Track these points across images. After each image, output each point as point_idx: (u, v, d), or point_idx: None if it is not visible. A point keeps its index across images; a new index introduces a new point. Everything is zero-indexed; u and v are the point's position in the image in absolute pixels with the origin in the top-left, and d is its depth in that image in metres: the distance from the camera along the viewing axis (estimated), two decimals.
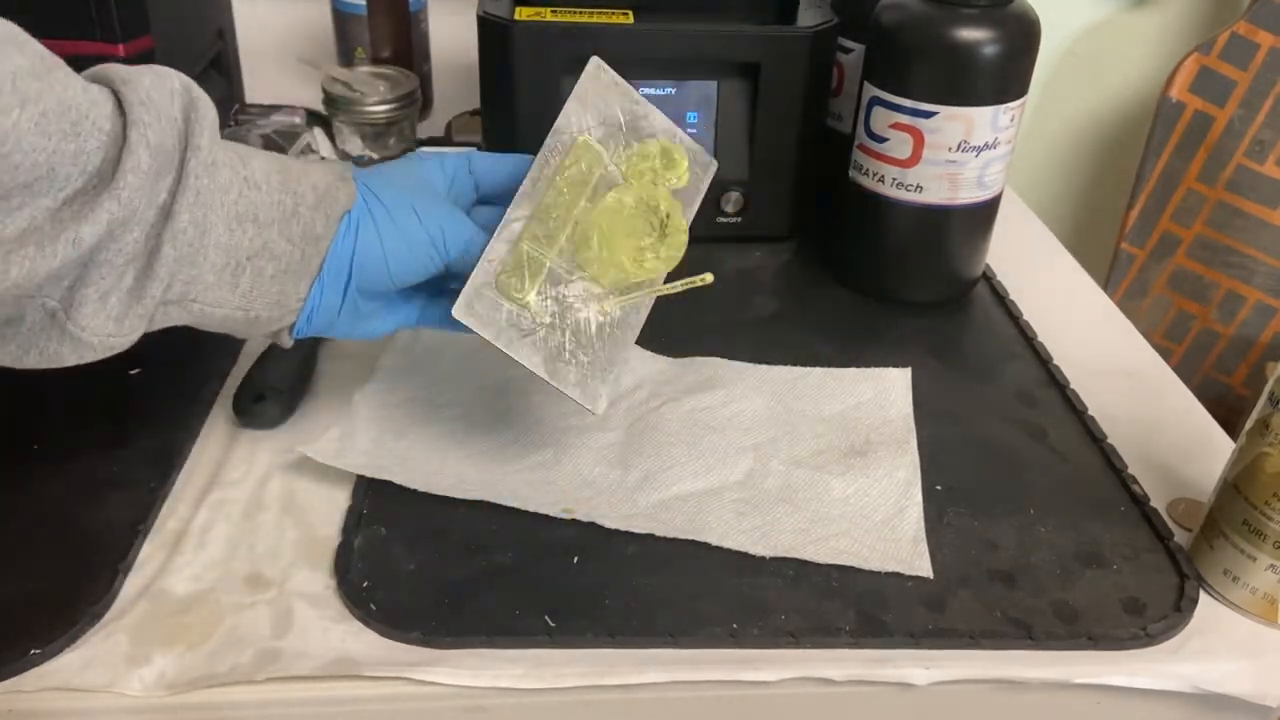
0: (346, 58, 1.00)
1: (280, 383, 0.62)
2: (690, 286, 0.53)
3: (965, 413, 0.65)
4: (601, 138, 0.55)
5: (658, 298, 0.57)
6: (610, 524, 0.54)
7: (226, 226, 0.44)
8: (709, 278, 0.53)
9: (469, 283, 0.50)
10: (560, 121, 0.54)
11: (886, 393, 0.65)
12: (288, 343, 0.52)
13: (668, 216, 0.53)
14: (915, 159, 0.70)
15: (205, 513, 0.54)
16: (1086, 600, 0.52)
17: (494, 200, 0.56)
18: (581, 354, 0.52)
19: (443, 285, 0.54)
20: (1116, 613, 0.51)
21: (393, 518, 0.54)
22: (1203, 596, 0.53)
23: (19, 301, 0.41)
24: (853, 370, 0.67)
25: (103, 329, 0.42)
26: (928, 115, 0.69)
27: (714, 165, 0.61)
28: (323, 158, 0.90)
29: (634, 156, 0.56)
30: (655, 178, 0.56)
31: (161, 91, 0.42)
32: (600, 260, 0.53)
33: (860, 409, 0.64)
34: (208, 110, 0.44)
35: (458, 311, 0.49)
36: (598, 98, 0.56)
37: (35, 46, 0.40)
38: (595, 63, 0.56)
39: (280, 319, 0.49)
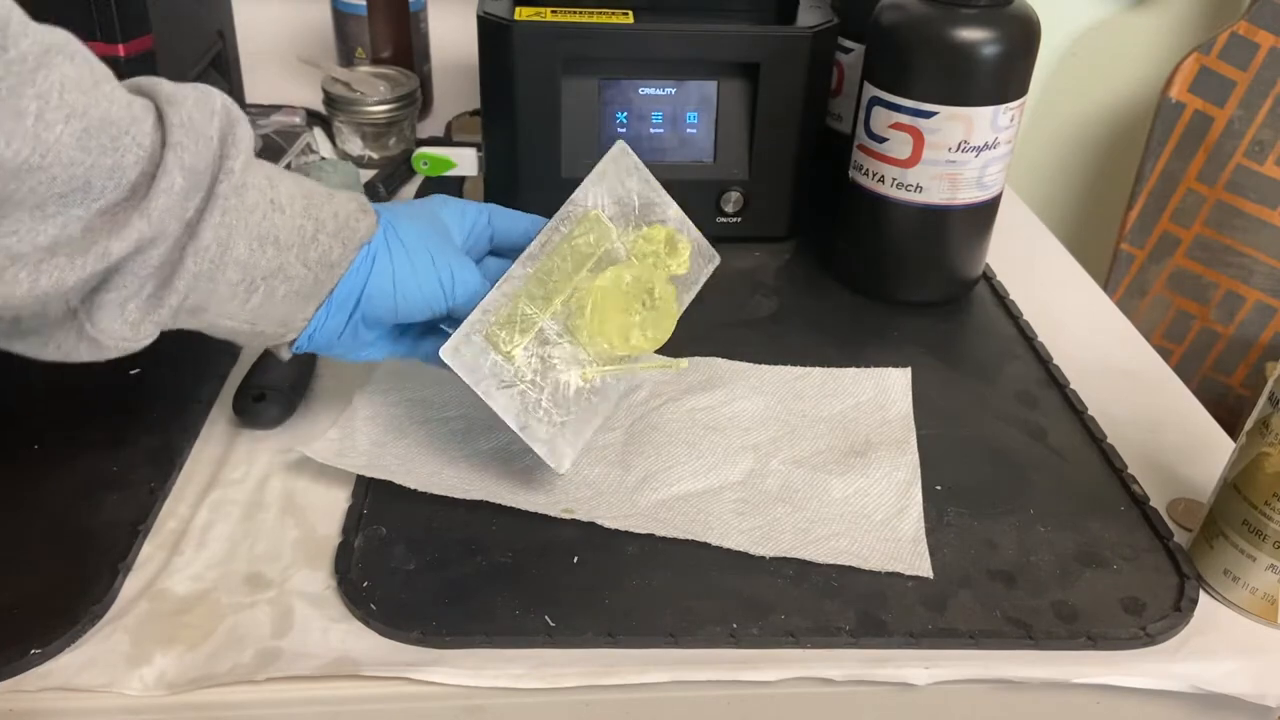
0: (346, 58, 1.00)
1: (280, 383, 0.62)
2: (662, 369, 0.56)
3: (965, 413, 0.65)
4: (613, 215, 0.58)
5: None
6: (610, 524, 0.54)
7: (248, 246, 0.45)
8: (683, 364, 0.57)
9: (461, 327, 0.52)
10: (577, 193, 0.57)
11: (886, 393, 0.66)
12: (285, 356, 0.52)
13: (660, 299, 0.56)
14: (915, 159, 0.70)
15: (205, 513, 0.54)
16: (1086, 600, 0.52)
17: (504, 254, 0.58)
18: (556, 414, 0.54)
19: (437, 324, 0.56)
20: (1116, 613, 0.51)
21: (393, 518, 0.54)
22: (1202, 596, 0.53)
23: (44, 299, 0.41)
24: (852, 370, 0.67)
25: (119, 333, 0.43)
26: (928, 115, 0.69)
27: (717, 260, 0.63)
28: (323, 158, 0.90)
29: (641, 238, 0.59)
30: (657, 261, 0.59)
31: (203, 112, 0.43)
32: (590, 329, 0.55)
33: (860, 409, 0.64)
34: (244, 132, 0.45)
35: (444, 353, 0.51)
36: (616, 179, 0.58)
37: (85, 56, 0.40)
38: (620, 146, 0.59)
39: (283, 335, 0.50)
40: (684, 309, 0.61)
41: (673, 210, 0.61)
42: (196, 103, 0.43)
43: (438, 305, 0.53)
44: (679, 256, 0.59)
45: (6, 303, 0.40)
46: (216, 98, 0.44)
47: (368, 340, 0.53)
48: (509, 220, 0.58)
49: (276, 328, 0.49)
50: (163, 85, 0.43)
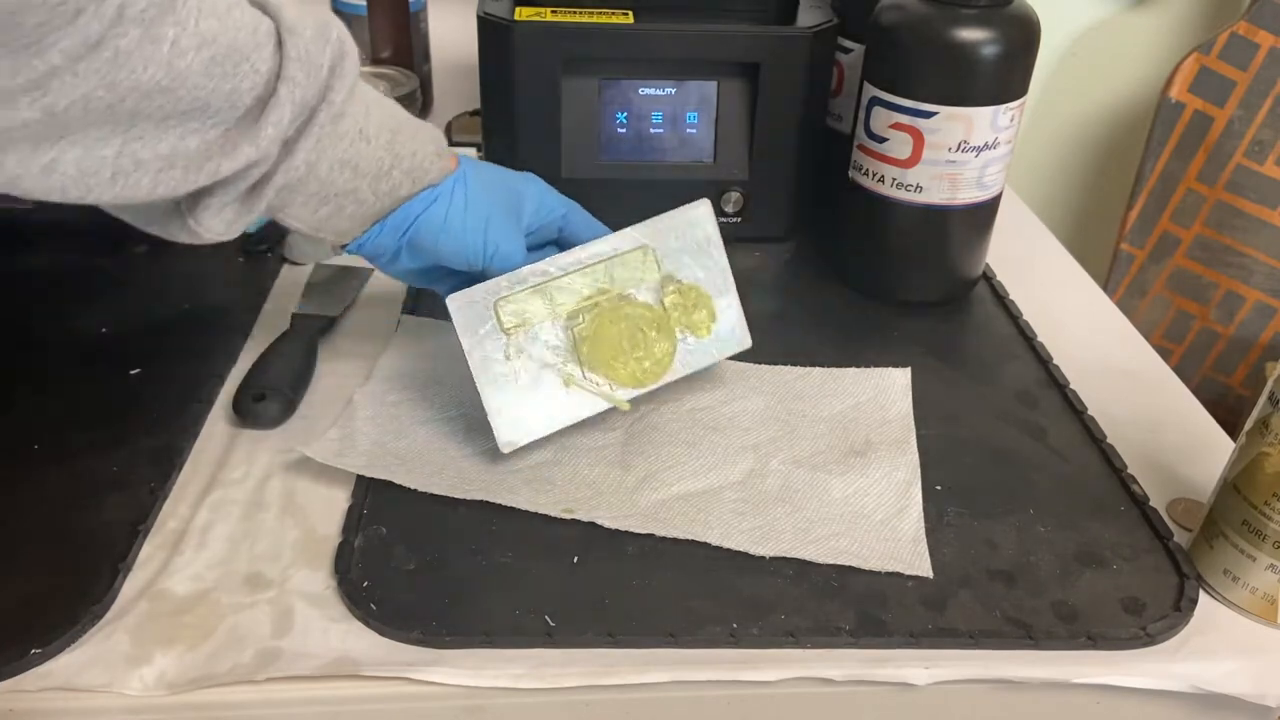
0: None
1: (280, 383, 0.62)
2: (609, 405, 0.58)
3: (965, 413, 0.65)
4: (665, 258, 0.60)
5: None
6: (610, 524, 0.54)
7: (329, 166, 0.50)
8: (625, 406, 0.58)
9: (477, 286, 0.56)
10: (647, 228, 0.59)
11: (886, 392, 0.66)
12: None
13: (655, 345, 0.59)
14: (915, 159, 0.70)
15: (205, 512, 0.54)
16: (1086, 600, 0.52)
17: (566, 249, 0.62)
18: (523, 399, 0.57)
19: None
20: (1116, 613, 0.51)
21: (393, 518, 0.54)
22: (1202, 596, 0.53)
23: (158, 201, 0.47)
24: (853, 370, 0.67)
25: (215, 229, 0.48)
26: (928, 115, 0.69)
27: (747, 345, 0.63)
28: None
29: (676, 289, 0.60)
30: (681, 314, 0.60)
31: (318, 45, 0.46)
32: (586, 340, 0.57)
33: (860, 409, 0.64)
34: (352, 64, 0.49)
35: (451, 299, 0.55)
36: (690, 236, 0.60)
37: None
38: (707, 207, 0.61)
39: (339, 240, 0.56)
40: (690, 371, 0.62)
41: (724, 282, 0.61)
42: (314, 36, 0.46)
43: (474, 262, 0.57)
44: (698, 318, 0.61)
45: (127, 201, 0.45)
46: (333, 28, 0.48)
47: (409, 266, 0.58)
48: (583, 224, 0.62)
49: (334, 236, 0.55)
50: (285, 12, 0.46)
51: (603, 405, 0.59)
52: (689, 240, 0.60)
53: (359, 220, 0.54)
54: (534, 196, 0.61)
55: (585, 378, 0.58)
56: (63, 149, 0.40)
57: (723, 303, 0.62)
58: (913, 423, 0.63)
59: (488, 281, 0.56)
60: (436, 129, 0.57)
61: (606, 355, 0.57)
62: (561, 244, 0.63)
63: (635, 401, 0.59)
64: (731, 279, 0.62)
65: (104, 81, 0.38)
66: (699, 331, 0.61)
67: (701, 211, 0.60)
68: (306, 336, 0.67)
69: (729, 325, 0.62)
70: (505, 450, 0.57)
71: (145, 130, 0.42)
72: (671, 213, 0.60)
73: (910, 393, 0.65)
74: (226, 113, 0.44)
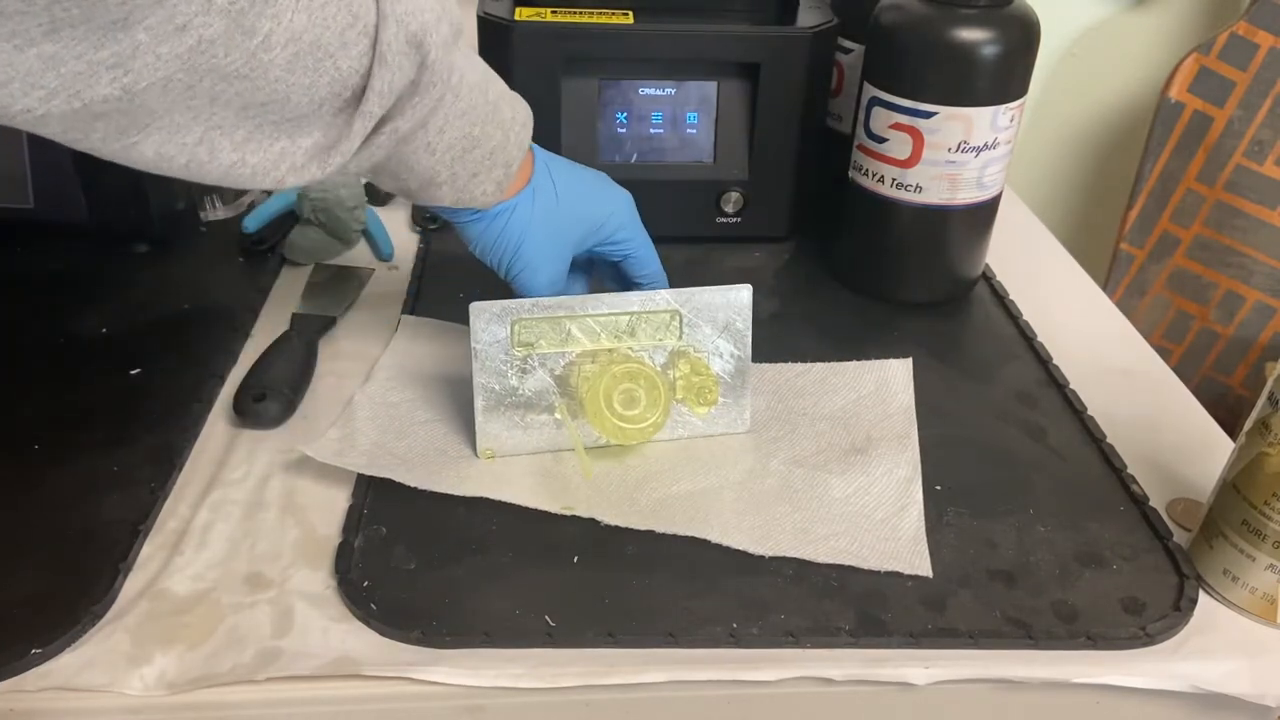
0: None
1: (281, 382, 0.62)
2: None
3: (965, 413, 0.65)
4: (692, 339, 0.60)
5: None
6: (610, 520, 0.54)
7: (392, 167, 0.51)
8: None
9: (503, 301, 0.57)
10: (682, 295, 0.59)
11: (888, 384, 0.66)
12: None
13: (642, 413, 0.58)
14: (915, 159, 0.70)
15: (205, 512, 0.54)
16: (1086, 600, 0.52)
17: (614, 271, 0.65)
18: (513, 415, 0.58)
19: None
20: (1116, 612, 0.51)
21: (393, 518, 0.54)
22: (1202, 596, 0.53)
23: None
24: (854, 363, 0.67)
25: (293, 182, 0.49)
26: (927, 115, 0.69)
27: (745, 428, 0.62)
28: None
29: (688, 362, 0.60)
30: (683, 388, 0.60)
31: (405, 56, 0.45)
32: (584, 384, 0.58)
33: (861, 403, 0.64)
34: (432, 78, 0.47)
35: (473, 306, 0.56)
36: (723, 317, 0.60)
37: None
38: (749, 293, 0.60)
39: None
40: (674, 437, 0.61)
41: (742, 370, 0.61)
42: (403, 45, 0.45)
43: (496, 272, 0.60)
44: (700, 397, 0.60)
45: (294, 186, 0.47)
46: (432, 34, 0.46)
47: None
48: (642, 264, 0.63)
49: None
50: (409, 21, 0.45)
51: (581, 447, 0.59)
52: (720, 319, 0.60)
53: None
54: (607, 225, 0.61)
55: (574, 419, 0.58)
56: (146, 134, 0.40)
57: (727, 390, 0.61)
58: (914, 416, 0.63)
59: (514, 300, 0.57)
60: (522, 131, 0.56)
61: (595, 405, 0.57)
62: (619, 273, 0.64)
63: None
64: (750, 369, 0.61)
65: (184, 65, 0.38)
66: (696, 409, 0.60)
67: (743, 296, 0.60)
68: (306, 336, 0.67)
69: (729, 413, 0.61)
70: (480, 456, 0.58)
71: (225, 120, 0.42)
72: (712, 288, 0.59)
73: (912, 384, 0.66)
74: (306, 116, 0.44)
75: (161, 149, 0.42)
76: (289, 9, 0.40)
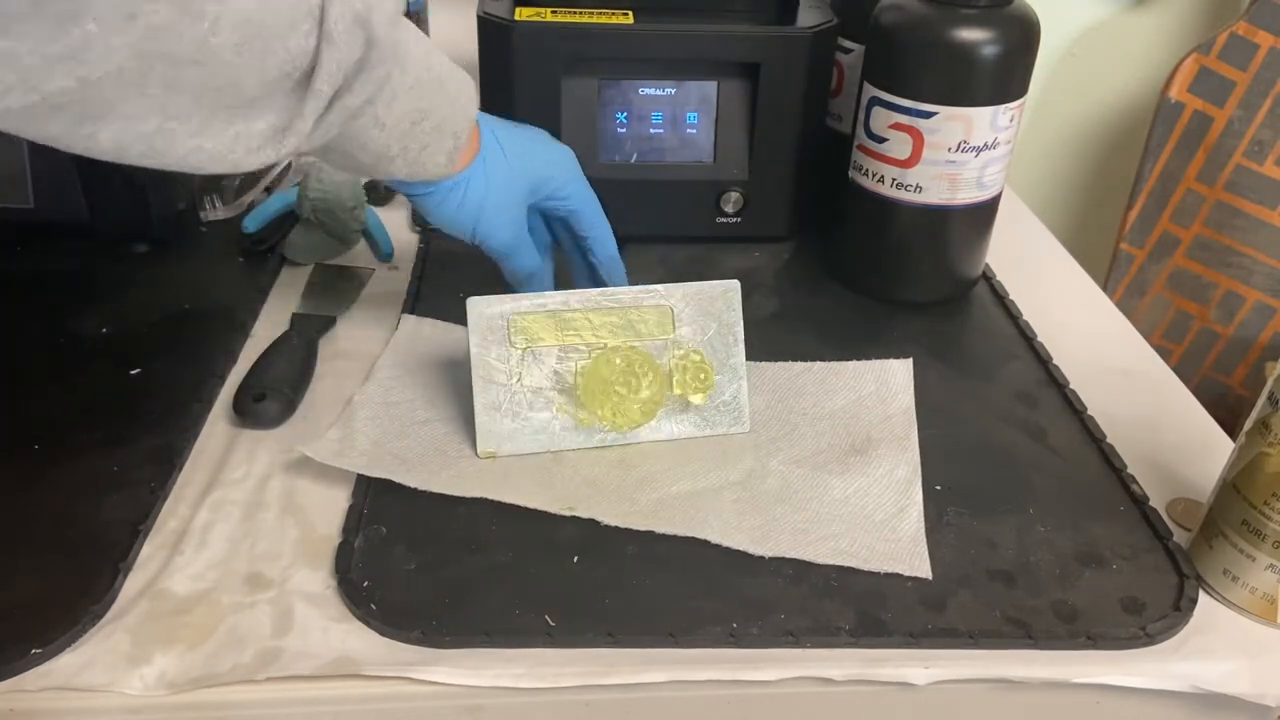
0: None
1: (280, 382, 0.62)
2: (589, 446, 0.59)
3: (965, 413, 0.65)
4: (685, 333, 0.60)
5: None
6: (610, 521, 0.54)
7: (342, 145, 0.52)
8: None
9: (500, 296, 0.57)
10: (674, 290, 0.60)
11: (888, 384, 0.66)
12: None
13: (641, 396, 0.59)
14: (915, 159, 0.70)
15: (206, 512, 0.54)
16: (1086, 600, 0.52)
17: (565, 228, 0.68)
18: (513, 412, 0.58)
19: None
20: (1116, 612, 0.51)
21: (393, 518, 0.54)
22: (1202, 596, 0.53)
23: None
24: (854, 363, 0.67)
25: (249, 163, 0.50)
26: (927, 115, 0.69)
27: (743, 429, 0.62)
28: None
29: (684, 354, 0.60)
30: (680, 377, 0.60)
31: (350, 35, 0.46)
32: (583, 372, 0.58)
33: (861, 403, 0.64)
34: (382, 54, 0.48)
35: (471, 302, 0.57)
36: (713, 306, 0.60)
37: None
38: (736, 288, 0.61)
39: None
40: (674, 436, 0.61)
41: (734, 361, 0.61)
42: (347, 26, 0.46)
43: (464, 239, 0.62)
44: (697, 384, 0.60)
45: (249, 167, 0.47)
46: (375, 13, 0.46)
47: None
48: (589, 221, 0.66)
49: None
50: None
51: (584, 443, 0.59)
52: (712, 312, 0.61)
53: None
54: (554, 180, 0.64)
55: (575, 413, 0.59)
56: (103, 125, 0.41)
57: (724, 379, 0.61)
58: (914, 416, 0.63)
59: (511, 295, 0.58)
60: (468, 103, 0.57)
61: (596, 387, 0.58)
62: (571, 227, 0.67)
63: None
64: (743, 362, 0.61)
65: (136, 54, 0.38)
66: (694, 397, 0.60)
67: (732, 288, 0.61)
68: (306, 336, 0.67)
69: (727, 403, 0.61)
70: (481, 456, 0.58)
71: (180, 106, 0.43)
72: (701, 283, 0.60)
73: (912, 385, 0.65)
74: (259, 98, 0.45)
75: (119, 138, 0.42)
76: None
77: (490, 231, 0.62)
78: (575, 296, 0.59)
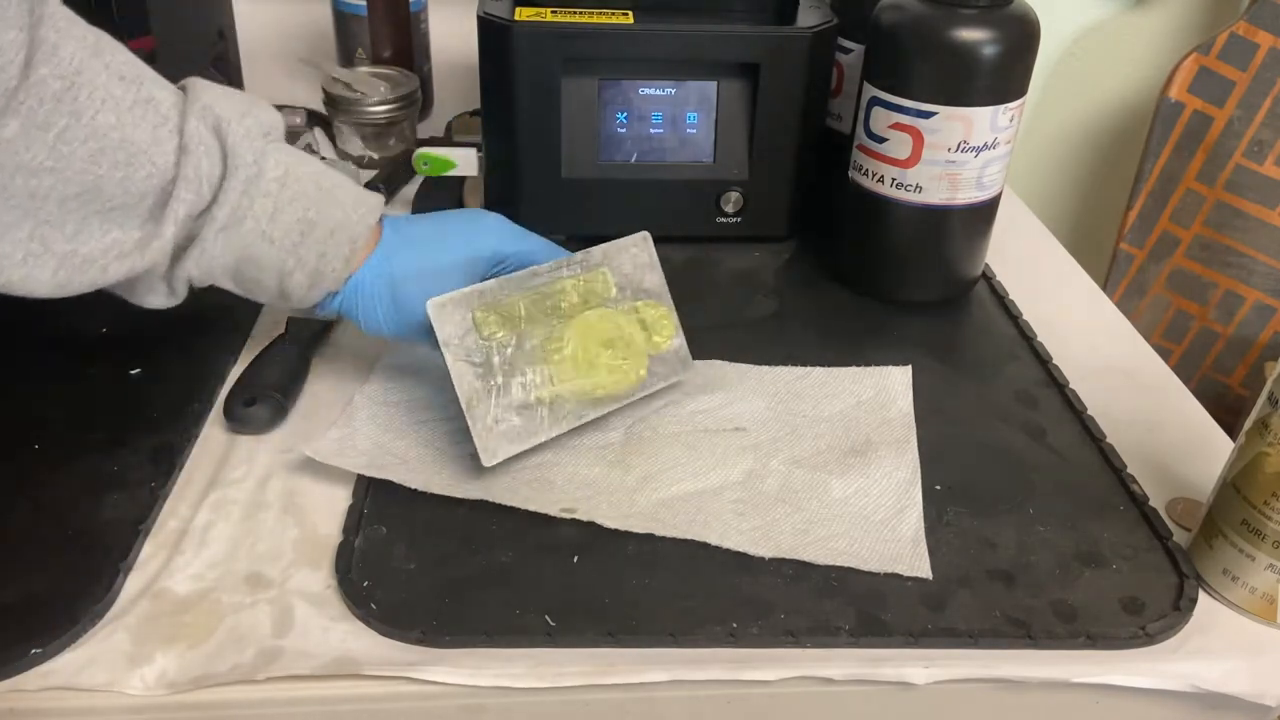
0: (347, 58, 1.00)
1: (270, 387, 0.62)
2: (581, 421, 0.59)
3: (965, 413, 0.65)
4: (623, 289, 0.62)
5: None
6: (610, 523, 0.54)
7: (233, 262, 0.54)
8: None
9: (455, 293, 0.56)
10: (594, 250, 0.61)
11: (887, 390, 0.66)
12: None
13: (634, 353, 0.61)
14: (915, 159, 0.70)
15: (206, 512, 0.55)
16: (1085, 600, 0.52)
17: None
18: (503, 412, 0.57)
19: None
20: (1115, 612, 0.51)
21: (393, 518, 0.54)
22: (1202, 596, 0.53)
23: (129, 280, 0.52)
24: (853, 369, 0.67)
25: (155, 304, 0.55)
26: (927, 115, 0.69)
27: (690, 370, 0.64)
28: (323, 158, 0.90)
29: (636, 307, 0.62)
30: (641, 329, 0.62)
31: (212, 155, 0.50)
32: (569, 349, 0.59)
33: (860, 407, 0.64)
34: (248, 168, 0.51)
35: (430, 304, 0.55)
36: (630, 262, 0.63)
37: (131, 68, 0.48)
38: (645, 236, 0.63)
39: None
40: (646, 392, 0.62)
41: (671, 310, 0.64)
42: (210, 145, 0.50)
43: (391, 331, 0.59)
44: (659, 336, 0.63)
45: (42, 292, 0.48)
46: (242, 126, 0.51)
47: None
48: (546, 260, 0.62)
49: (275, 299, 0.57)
50: (207, 107, 0.50)
51: (576, 422, 0.59)
52: (637, 264, 0.63)
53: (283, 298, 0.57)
54: (494, 255, 0.60)
55: (558, 389, 0.58)
56: None
57: (676, 328, 0.64)
58: (913, 421, 0.63)
59: (469, 288, 0.56)
60: (367, 212, 0.56)
61: (589, 356, 0.59)
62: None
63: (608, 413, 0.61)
64: (672, 303, 0.64)
65: None
66: (661, 346, 0.63)
67: (638, 237, 0.63)
68: (301, 340, 0.66)
69: (675, 349, 0.64)
70: (487, 465, 0.56)
71: (50, 213, 0.46)
72: (616, 241, 0.62)
73: (911, 391, 0.66)
74: (129, 206, 0.48)
75: None
76: (91, 109, 0.45)
77: (409, 319, 0.58)
78: (519, 277, 0.58)
